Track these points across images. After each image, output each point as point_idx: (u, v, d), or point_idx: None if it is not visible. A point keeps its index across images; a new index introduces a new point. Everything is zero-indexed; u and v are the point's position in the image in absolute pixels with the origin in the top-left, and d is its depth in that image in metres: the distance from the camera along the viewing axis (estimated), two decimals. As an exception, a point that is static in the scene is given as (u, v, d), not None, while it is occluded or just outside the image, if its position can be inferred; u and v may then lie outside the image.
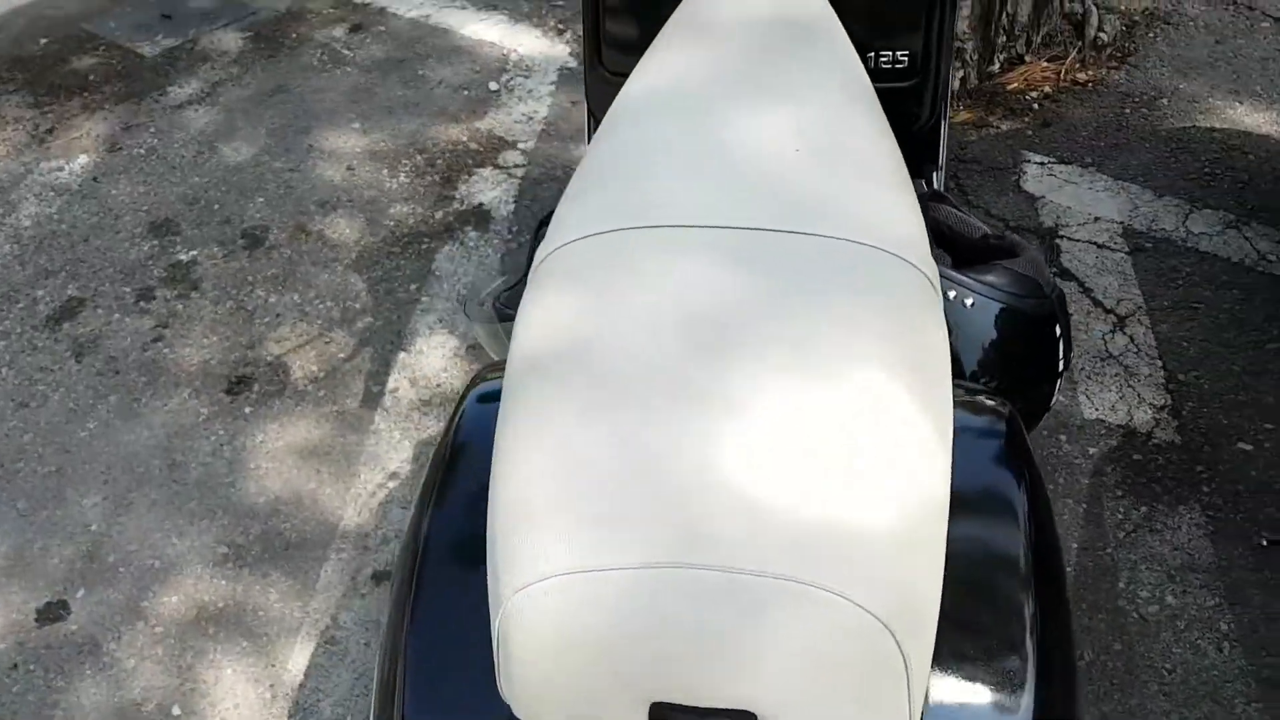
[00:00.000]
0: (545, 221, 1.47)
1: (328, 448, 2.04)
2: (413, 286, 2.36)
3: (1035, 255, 1.28)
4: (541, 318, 0.85)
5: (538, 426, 0.75)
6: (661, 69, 1.07)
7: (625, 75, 1.60)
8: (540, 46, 3.14)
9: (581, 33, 1.62)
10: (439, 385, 2.13)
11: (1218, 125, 2.64)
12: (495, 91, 2.97)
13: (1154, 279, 2.24)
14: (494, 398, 1.11)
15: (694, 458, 0.70)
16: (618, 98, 1.08)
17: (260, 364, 2.21)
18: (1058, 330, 1.26)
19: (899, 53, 1.52)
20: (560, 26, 3.22)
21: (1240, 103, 2.71)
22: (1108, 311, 2.18)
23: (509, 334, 1.32)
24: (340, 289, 2.37)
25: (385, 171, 2.70)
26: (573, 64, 3.05)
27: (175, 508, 1.94)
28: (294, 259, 2.45)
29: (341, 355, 2.22)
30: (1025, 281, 1.23)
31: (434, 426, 2.06)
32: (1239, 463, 1.89)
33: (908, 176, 0.99)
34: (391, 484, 1.96)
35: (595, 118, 1.66)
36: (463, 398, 1.09)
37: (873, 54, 1.52)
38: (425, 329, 2.26)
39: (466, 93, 2.97)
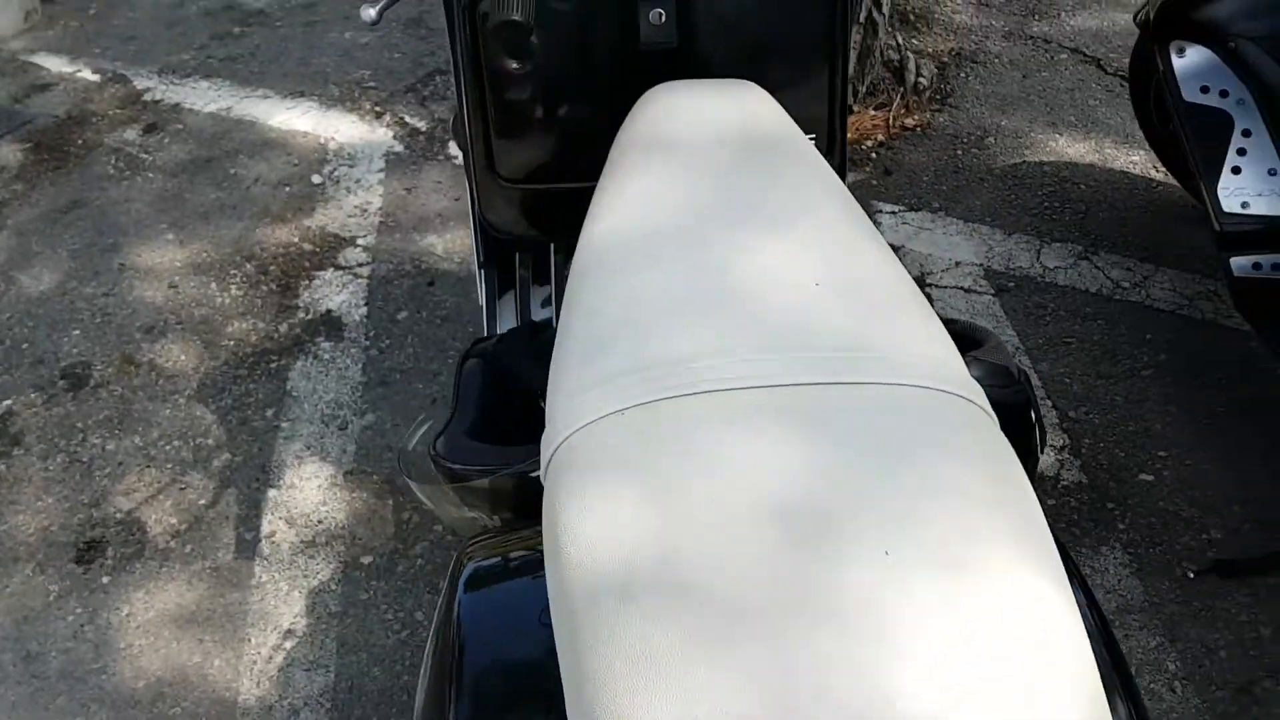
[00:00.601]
0: (471, 354, 1.34)
1: (207, 611, 1.81)
2: (269, 412, 2.15)
3: (997, 339, 1.25)
4: (592, 523, 0.72)
5: (643, 670, 0.63)
6: (631, 200, 0.97)
7: (522, 182, 1.49)
8: (359, 132, 2.97)
9: (467, 135, 1.49)
10: (320, 522, 1.94)
11: (1045, 159, 2.74)
12: (319, 185, 2.78)
13: (1023, 318, 2.29)
14: (490, 580, 0.97)
15: (848, 698, 0.60)
16: (586, 236, 0.97)
17: (110, 523, 1.95)
18: (1033, 415, 1.22)
19: (807, 135, 1.47)
20: (377, 109, 3.06)
21: (1060, 134, 2.83)
22: (990, 356, 2.20)
23: (460, 492, 1.19)
24: (187, 425, 2.13)
25: (214, 285, 2.47)
26: (399, 149, 2.90)
27: (40, 707, 1.68)
28: (127, 396, 2.20)
29: (202, 501, 1.99)
30: (998, 370, 1.19)
31: (324, 571, 1.87)
32: (1145, 494, 1.93)
33: (921, 294, 0.92)
34: (288, 644, 1.76)
35: (492, 229, 1.54)
36: (452, 583, 0.95)
37: (781, 138, 1.47)
38: (292, 459, 2.06)
39: (288, 189, 2.77)
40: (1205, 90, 1.87)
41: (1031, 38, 3.25)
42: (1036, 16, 3.36)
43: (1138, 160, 2.73)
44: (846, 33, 1.42)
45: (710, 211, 0.95)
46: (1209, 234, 1.89)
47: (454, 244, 2.55)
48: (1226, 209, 1.85)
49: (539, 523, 1.21)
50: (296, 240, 2.59)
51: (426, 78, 3.18)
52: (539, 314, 1.68)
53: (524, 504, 1.15)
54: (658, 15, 1.36)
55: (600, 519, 0.73)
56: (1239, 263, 1.85)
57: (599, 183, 1.07)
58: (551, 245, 1.68)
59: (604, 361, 0.83)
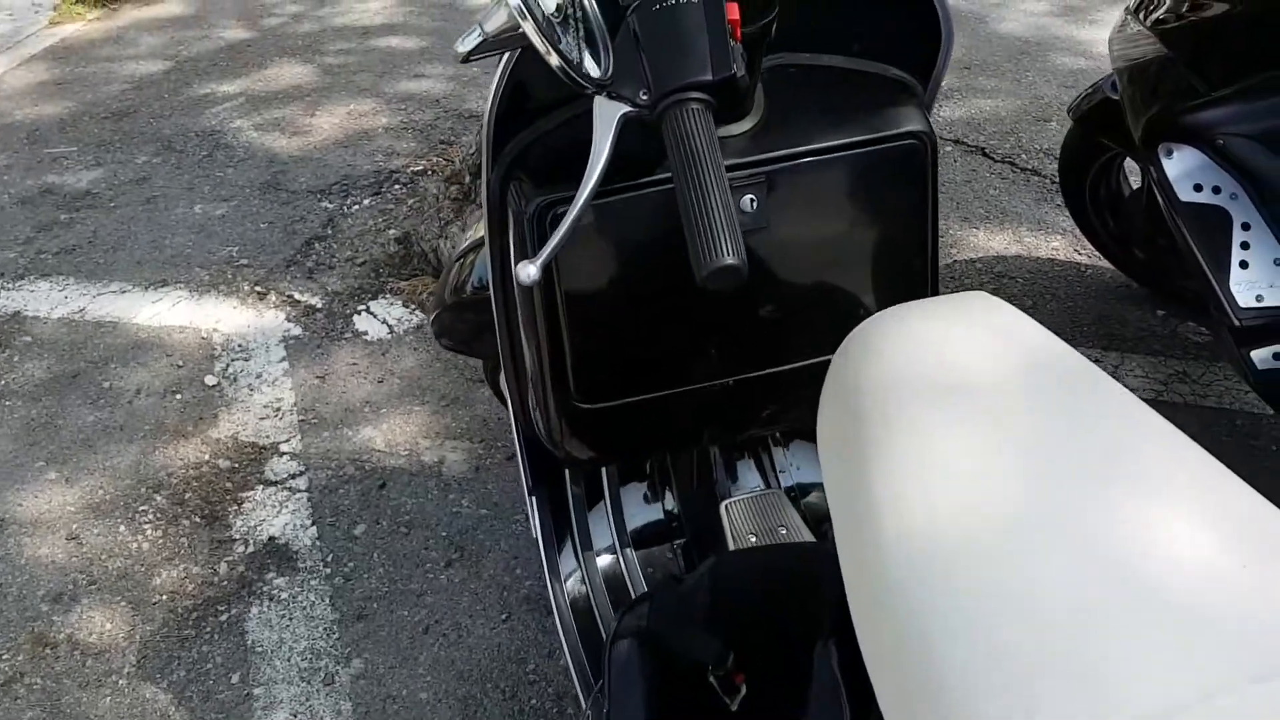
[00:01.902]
0: (619, 634, 1.11)
1: None
2: (234, 678, 1.82)
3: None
4: None
5: None
6: (923, 470, 0.79)
7: (603, 401, 1.29)
8: (245, 318, 2.66)
9: (529, 356, 1.27)
10: (339, 807, 1.63)
11: (973, 256, 2.72)
12: (215, 386, 2.46)
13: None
14: None
15: None
16: (883, 522, 0.78)
17: None
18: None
19: (901, 307, 1.33)
20: (259, 290, 2.75)
21: (977, 229, 2.82)
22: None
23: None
24: (137, 712, 1.78)
25: (123, 528, 2.11)
26: (296, 332, 2.61)
27: None
28: (51, 688, 1.82)
29: (185, 809, 1.65)
30: None
31: None
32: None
33: None
34: None
35: (559, 451, 1.32)
36: None
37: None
38: (280, 731, 1.74)
39: (179, 396, 2.43)
40: (1199, 189, 1.85)
41: (912, 132, 3.26)
42: (907, 110, 3.38)
43: (1059, 245, 2.75)
44: (936, 200, 1.31)
45: (1040, 474, 0.78)
46: (1224, 330, 1.86)
47: (395, 434, 2.28)
48: (1243, 304, 1.82)
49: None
50: (208, 457, 2.26)
51: (305, 247, 2.90)
52: (600, 538, 1.46)
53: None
54: (749, 201, 1.20)
55: None
56: (1261, 356, 1.83)
57: (836, 436, 0.88)
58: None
59: (1050, 696, 0.64)
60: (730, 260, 0.86)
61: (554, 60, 0.86)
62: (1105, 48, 3.86)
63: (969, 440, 0.81)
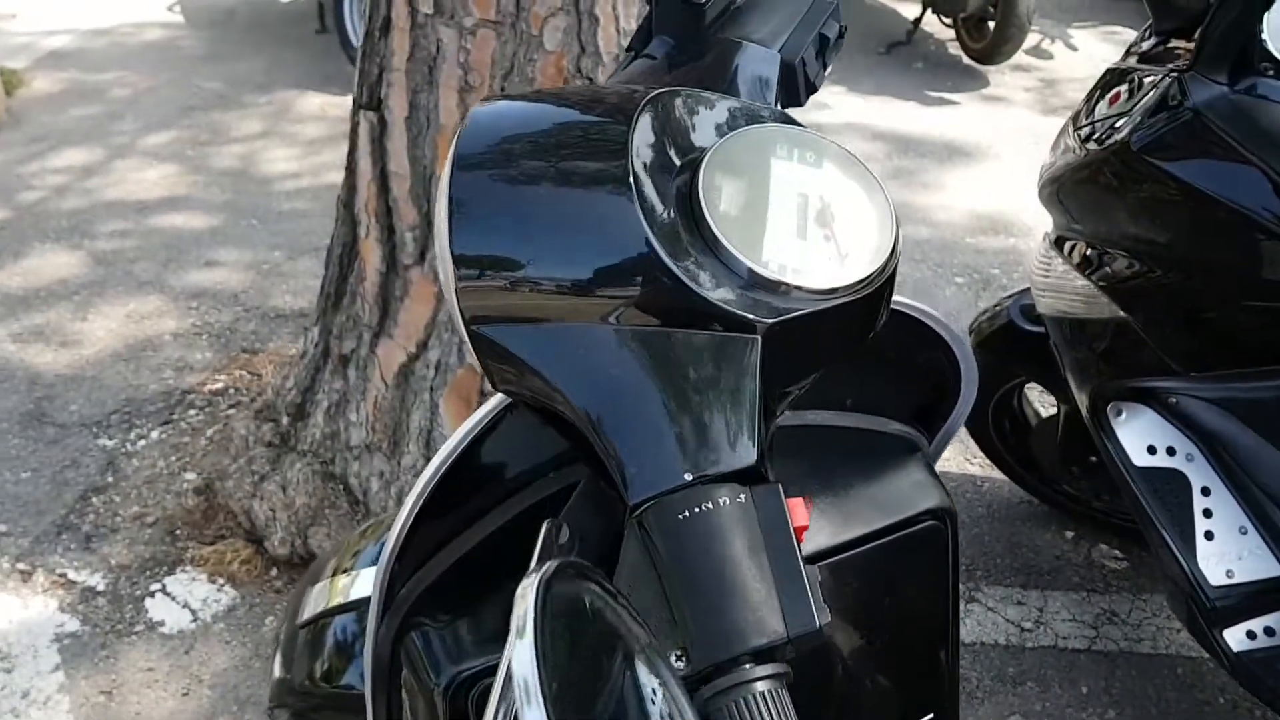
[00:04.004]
0: None
1: None
2: None
3: None
4: None
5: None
6: None
7: None
8: (5, 611, 2.12)
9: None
10: None
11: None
12: (-35, 717, 1.92)
13: (965, 699, 1.95)
14: None
15: None
16: None
17: None
18: None
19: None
20: (22, 568, 2.22)
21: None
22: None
23: None
24: None
25: None
26: (73, 626, 2.09)
27: None
28: None
29: None
30: None
31: None
32: None
33: None
34: None
35: None
36: None
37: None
38: None
39: (-86, 736, 1.89)
40: (1152, 451, 1.66)
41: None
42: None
43: (949, 455, 2.55)
44: (958, 584, 1.03)
45: None
46: (1190, 608, 1.66)
47: (210, 776, 1.81)
48: (1214, 582, 1.62)
49: None
50: (-45, 832, 1.73)
51: (79, 503, 2.38)
52: None
53: None
54: None
55: None
56: (1236, 636, 1.63)
57: None
58: None
59: None
60: None
61: None
62: (943, 213, 3.82)
63: None
